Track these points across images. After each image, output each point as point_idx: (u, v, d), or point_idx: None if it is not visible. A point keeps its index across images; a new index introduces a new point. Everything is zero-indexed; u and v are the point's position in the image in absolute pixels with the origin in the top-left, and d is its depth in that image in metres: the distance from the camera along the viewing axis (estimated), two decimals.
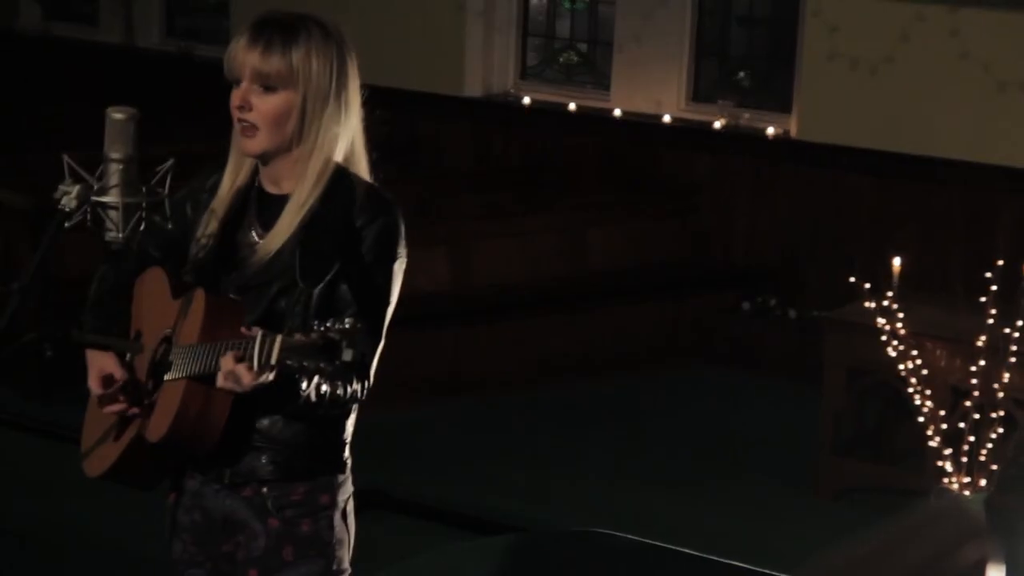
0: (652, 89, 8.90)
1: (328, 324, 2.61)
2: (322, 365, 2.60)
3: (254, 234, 3.00)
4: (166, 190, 2.99)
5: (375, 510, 5.73)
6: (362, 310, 2.88)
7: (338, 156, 2.97)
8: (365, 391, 2.94)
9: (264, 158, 2.98)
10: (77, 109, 8.99)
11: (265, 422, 2.95)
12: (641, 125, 8.83)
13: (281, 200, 2.98)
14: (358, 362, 2.77)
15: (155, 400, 2.96)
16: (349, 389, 2.89)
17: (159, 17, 10.77)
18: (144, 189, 2.97)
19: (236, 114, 2.93)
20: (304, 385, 2.79)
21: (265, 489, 2.99)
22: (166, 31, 10.79)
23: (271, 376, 2.71)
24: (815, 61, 8.20)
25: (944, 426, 5.92)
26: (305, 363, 2.61)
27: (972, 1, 7.70)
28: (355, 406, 3.01)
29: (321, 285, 2.89)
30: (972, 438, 5.85)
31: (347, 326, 2.60)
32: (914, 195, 7.90)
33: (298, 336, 2.62)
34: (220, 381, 2.77)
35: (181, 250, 3.07)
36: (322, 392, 2.82)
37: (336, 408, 2.93)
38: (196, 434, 2.87)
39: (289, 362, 2.61)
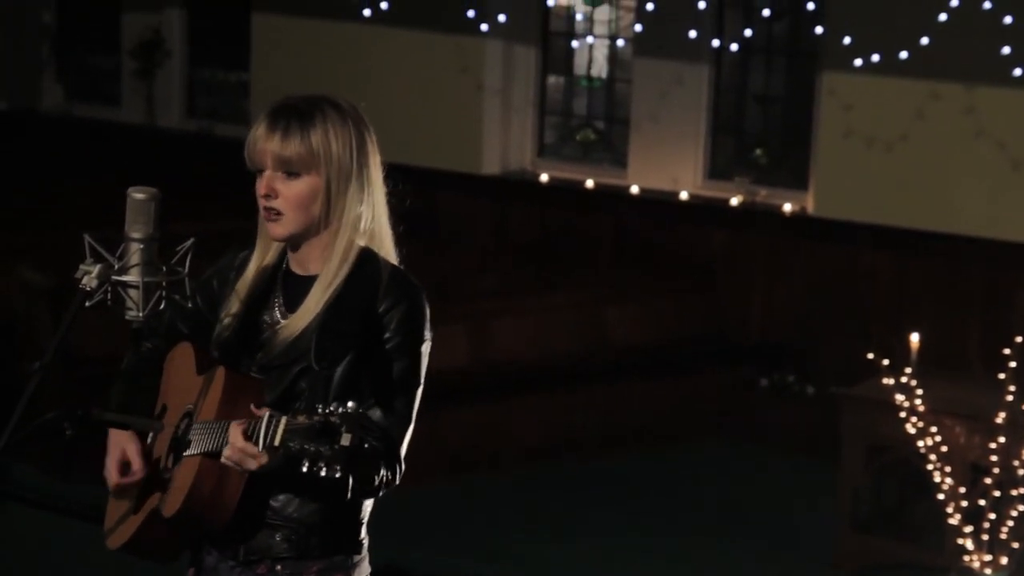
0: (669, 166, 8.94)
1: (332, 408, 2.61)
2: (321, 449, 2.57)
3: (278, 314, 3.01)
4: (186, 269, 3.00)
5: None
6: (390, 394, 2.89)
7: (363, 233, 2.97)
8: (397, 475, 2.92)
9: (293, 243, 3.00)
10: (98, 188, 9.07)
11: (280, 500, 2.95)
12: (658, 202, 8.86)
13: (307, 281, 2.99)
14: (383, 449, 2.80)
15: (173, 475, 2.98)
16: (378, 474, 2.87)
17: (180, 97, 10.87)
18: (164, 268, 2.98)
19: (262, 202, 2.95)
20: (303, 468, 2.68)
21: (279, 567, 2.98)
22: (187, 111, 10.89)
23: (277, 459, 2.71)
24: (831, 139, 8.24)
25: (964, 503, 5.89)
26: (306, 446, 2.58)
27: (987, 79, 7.74)
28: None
29: (341, 367, 2.89)
30: (992, 515, 5.83)
31: (348, 410, 2.60)
32: (931, 272, 7.91)
33: (301, 418, 2.62)
34: (226, 454, 2.78)
35: (208, 327, 3.08)
36: (324, 476, 2.65)
37: (367, 493, 2.91)
38: (210, 510, 2.88)
39: (291, 444, 2.61)
